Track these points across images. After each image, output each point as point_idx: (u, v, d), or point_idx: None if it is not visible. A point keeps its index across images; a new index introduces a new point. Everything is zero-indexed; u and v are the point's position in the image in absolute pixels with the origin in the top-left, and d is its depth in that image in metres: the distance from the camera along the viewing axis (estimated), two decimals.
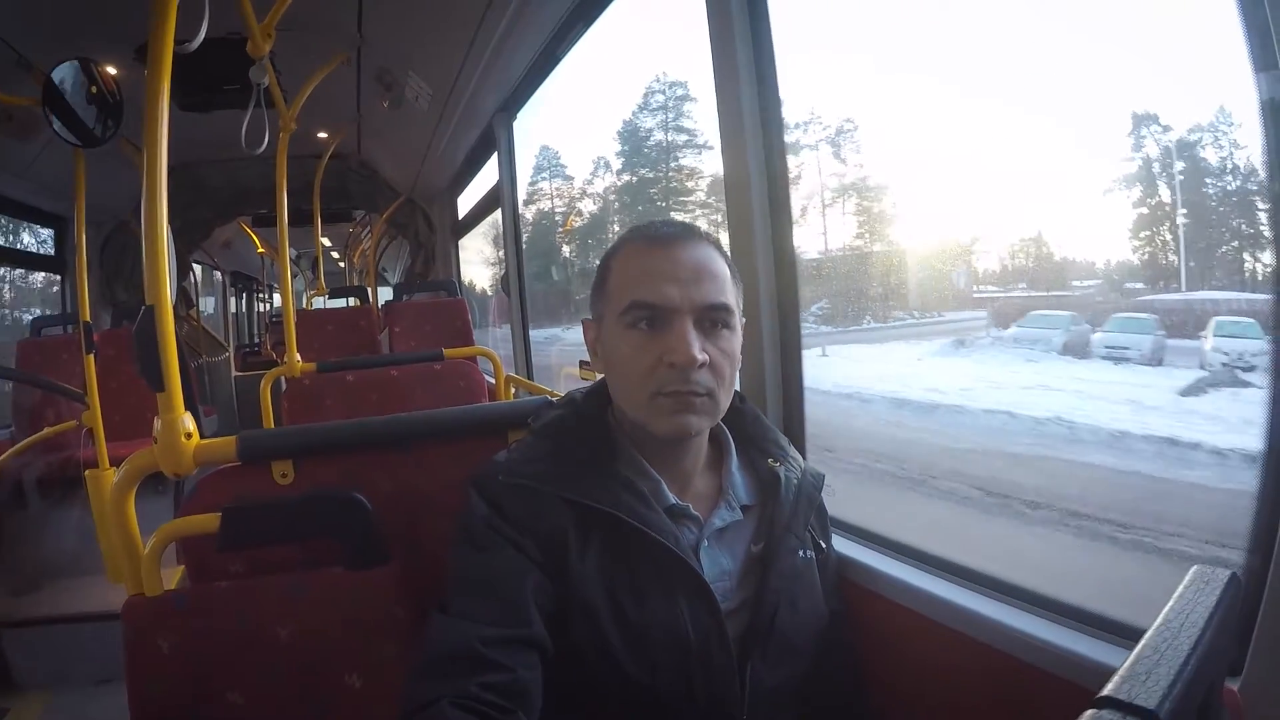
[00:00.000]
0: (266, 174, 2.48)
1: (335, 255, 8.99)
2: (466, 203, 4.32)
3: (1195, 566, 0.40)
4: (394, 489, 0.98)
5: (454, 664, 0.64)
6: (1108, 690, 0.28)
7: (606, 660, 0.71)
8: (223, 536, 0.88)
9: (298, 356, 2.27)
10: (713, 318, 0.75)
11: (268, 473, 0.95)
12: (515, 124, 2.77)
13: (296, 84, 2.36)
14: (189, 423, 0.97)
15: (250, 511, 0.90)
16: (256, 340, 8.38)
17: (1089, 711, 0.27)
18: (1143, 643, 0.32)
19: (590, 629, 0.72)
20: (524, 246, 3.03)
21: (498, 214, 3.21)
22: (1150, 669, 0.29)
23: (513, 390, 2.40)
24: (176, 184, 2.16)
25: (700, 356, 0.72)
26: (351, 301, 5.90)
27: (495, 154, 2.85)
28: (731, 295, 0.77)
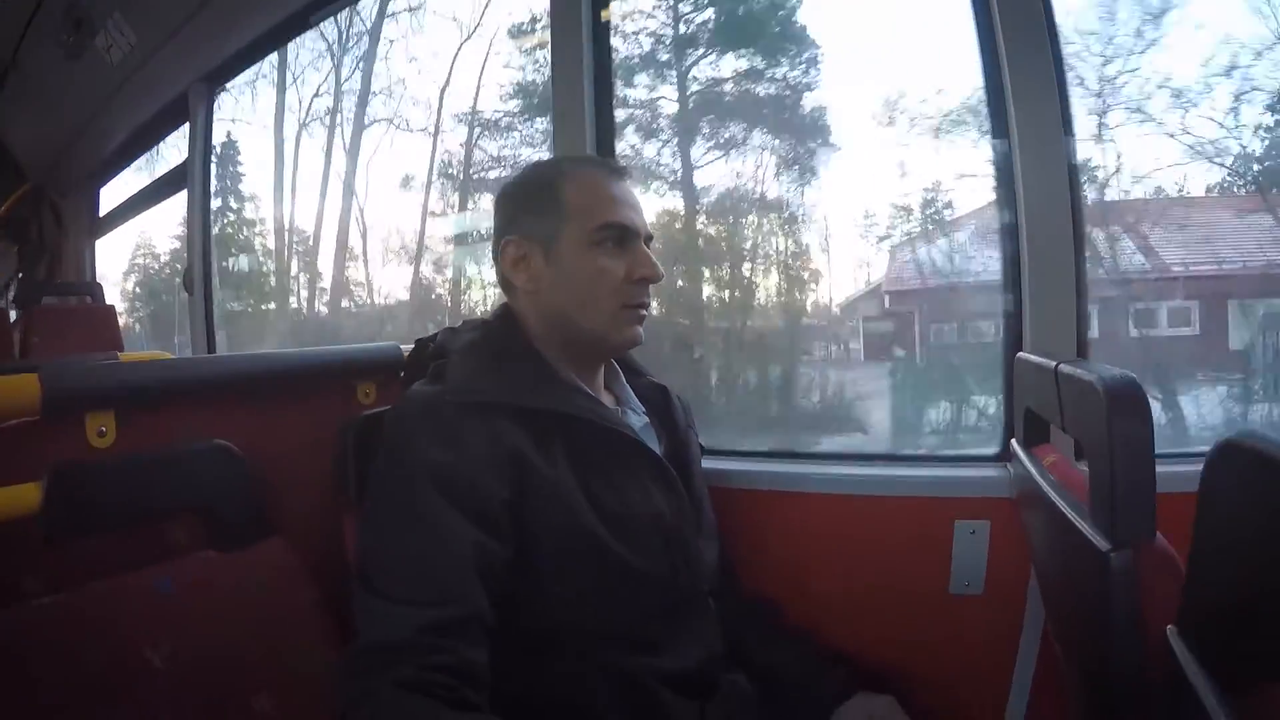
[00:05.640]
0: None
1: None
2: (114, 194, 3.43)
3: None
4: (243, 445, 0.78)
5: (393, 653, 0.60)
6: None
7: (600, 557, 0.73)
8: (52, 516, 0.59)
9: None
10: (650, 245, 0.83)
11: (80, 430, 0.68)
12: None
13: None
14: None
15: (92, 474, 0.63)
16: None
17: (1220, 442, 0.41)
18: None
19: (575, 533, 0.72)
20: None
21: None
22: None
23: None
24: None
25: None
26: None
27: (187, 129, 2.36)
28: None
